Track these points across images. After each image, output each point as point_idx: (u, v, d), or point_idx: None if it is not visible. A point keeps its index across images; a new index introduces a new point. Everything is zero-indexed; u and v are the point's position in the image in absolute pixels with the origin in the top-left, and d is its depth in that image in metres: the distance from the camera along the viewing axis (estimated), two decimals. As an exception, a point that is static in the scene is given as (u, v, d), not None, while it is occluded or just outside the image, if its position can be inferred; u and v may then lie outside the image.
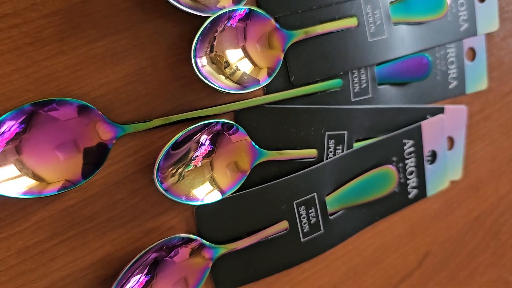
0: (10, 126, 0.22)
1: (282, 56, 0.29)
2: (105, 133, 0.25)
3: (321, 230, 0.32)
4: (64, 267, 0.27)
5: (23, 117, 0.23)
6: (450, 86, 0.38)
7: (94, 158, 0.25)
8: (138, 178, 0.28)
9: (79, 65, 0.25)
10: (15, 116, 0.23)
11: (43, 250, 0.26)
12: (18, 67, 0.24)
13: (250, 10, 0.27)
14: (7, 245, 0.25)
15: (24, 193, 0.23)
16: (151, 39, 0.27)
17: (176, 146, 0.26)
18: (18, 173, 0.23)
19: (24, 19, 0.24)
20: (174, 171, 0.26)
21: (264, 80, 0.28)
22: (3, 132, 0.22)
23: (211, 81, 0.26)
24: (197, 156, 0.27)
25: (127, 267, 0.25)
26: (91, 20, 0.25)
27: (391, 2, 0.34)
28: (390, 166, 0.35)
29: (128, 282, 0.25)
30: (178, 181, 0.26)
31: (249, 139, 0.29)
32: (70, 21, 0.25)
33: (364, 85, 0.33)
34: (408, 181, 0.36)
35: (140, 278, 0.25)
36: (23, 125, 0.23)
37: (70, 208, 0.26)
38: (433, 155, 0.38)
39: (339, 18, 0.31)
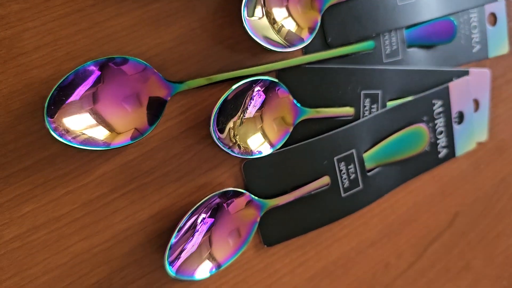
0: (88, 75, 0.24)
1: (319, 18, 0.31)
2: (161, 90, 0.27)
3: (360, 186, 0.34)
4: (125, 219, 0.28)
5: (98, 68, 0.24)
6: (474, 50, 0.40)
7: (155, 110, 0.26)
8: (191, 134, 0.29)
9: (136, 26, 0.27)
10: (91, 66, 0.24)
11: (106, 203, 0.28)
12: (81, 28, 0.26)
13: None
14: (73, 198, 0.27)
15: (102, 145, 0.25)
16: (201, 1, 0.28)
17: (227, 102, 0.28)
18: (93, 122, 0.24)
19: (87, -18, 0.26)
20: (228, 124, 0.28)
21: (307, 37, 0.30)
22: (84, 79, 0.24)
23: (258, 37, 0.28)
24: (249, 109, 0.28)
25: (200, 202, 0.27)
26: (146, -17, 0.27)
27: (418, -33, 0.35)
28: (421, 124, 0.36)
29: (199, 217, 0.27)
30: (235, 129, 0.28)
31: (291, 97, 0.30)
32: (127, -16, 0.26)
33: (395, 47, 0.35)
34: (438, 141, 0.38)
35: (205, 217, 0.27)
36: (98, 75, 0.24)
37: (130, 162, 0.28)
38: (460, 116, 0.39)
39: (371, -17, 0.33)
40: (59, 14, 0.25)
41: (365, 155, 0.34)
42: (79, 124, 0.24)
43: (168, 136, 0.29)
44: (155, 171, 0.29)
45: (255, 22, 0.28)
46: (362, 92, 0.34)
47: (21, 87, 0.25)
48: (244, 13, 0.27)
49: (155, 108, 0.26)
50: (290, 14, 0.30)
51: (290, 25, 0.30)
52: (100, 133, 0.25)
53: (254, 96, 0.28)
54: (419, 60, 0.37)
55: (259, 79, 0.29)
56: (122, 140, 0.26)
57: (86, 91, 0.24)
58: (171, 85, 0.27)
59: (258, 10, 0.28)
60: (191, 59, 0.29)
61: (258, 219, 0.30)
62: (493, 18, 0.41)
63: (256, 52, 0.30)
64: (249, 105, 0.28)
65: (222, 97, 0.27)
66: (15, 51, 0.25)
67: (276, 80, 0.29)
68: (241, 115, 0.28)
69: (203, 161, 0.30)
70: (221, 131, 0.28)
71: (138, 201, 0.28)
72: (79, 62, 0.26)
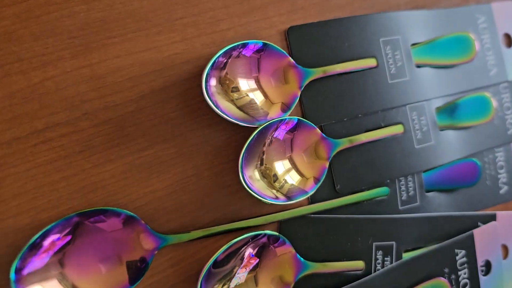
0: (55, 238, 0.22)
1: (327, 165, 0.28)
2: (147, 244, 0.24)
3: None
4: None
5: (69, 229, 0.22)
6: (501, 191, 0.37)
7: (135, 270, 0.24)
8: (179, 290, 0.26)
9: (126, 174, 0.25)
10: (61, 227, 0.22)
11: None
12: (65, 175, 0.24)
13: (297, 120, 0.27)
14: None
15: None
16: (197, 148, 0.26)
17: (220, 259, 0.25)
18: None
19: (76, 128, 0.24)
20: (218, 286, 0.25)
21: (311, 188, 0.27)
22: (48, 245, 0.22)
23: (259, 193, 0.26)
24: (241, 271, 0.26)
25: None
26: (140, 129, 0.25)
27: (437, 108, 0.33)
28: (442, 278, 0.32)
29: None
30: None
31: (293, 250, 0.27)
32: (120, 130, 0.25)
33: (412, 192, 0.32)
34: (461, 295, 0.34)
35: None
36: (68, 237, 0.22)
37: (106, 322, 0.25)
38: (487, 265, 0.35)
39: (385, 126, 0.31)
40: (44, 160, 0.24)
41: (377, 315, 0.30)
42: (47, 290, 0.22)
43: (153, 292, 0.26)
44: (135, 331, 0.25)
45: (256, 182, 0.26)
46: (374, 244, 0.30)
47: (-7, 237, 0.23)
48: (243, 173, 0.25)
49: (137, 266, 0.24)
50: (293, 166, 0.27)
51: (293, 179, 0.27)
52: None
53: (250, 254, 0.26)
54: (440, 205, 0.34)
55: (259, 234, 0.26)
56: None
57: (54, 254, 0.22)
58: (159, 238, 0.25)
59: (255, 172, 0.26)
60: (184, 209, 0.26)
61: None
62: (522, 157, 0.38)
63: (255, 201, 0.28)
64: (243, 264, 0.26)
65: (212, 258, 0.24)
66: (-7, 198, 0.23)
67: (278, 234, 0.27)
68: (234, 276, 0.25)
69: (190, 320, 0.27)
70: (210, 293, 0.25)
71: None
72: (60, 212, 0.24)
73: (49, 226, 0.22)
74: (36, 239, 0.22)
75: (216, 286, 0.25)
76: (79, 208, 0.24)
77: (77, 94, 0.24)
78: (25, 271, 0.21)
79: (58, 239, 0.22)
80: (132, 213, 0.24)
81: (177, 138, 0.26)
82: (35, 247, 0.22)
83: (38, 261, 0.22)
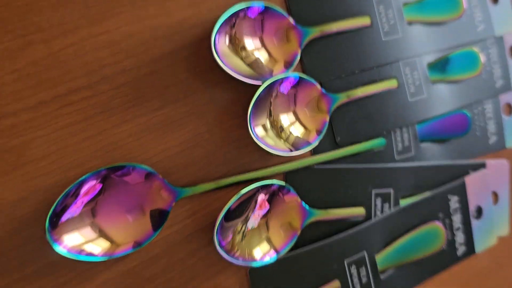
0: (88, 188, 0.24)
1: (328, 119, 0.31)
2: (165, 196, 0.27)
3: (372, 289, 0.32)
4: (126, 328, 0.27)
5: (99, 180, 0.24)
6: (490, 141, 0.39)
7: (157, 219, 0.26)
8: (196, 239, 0.29)
9: (142, 133, 0.27)
10: (92, 178, 0.24)
11: (106, 311, 0.27)
12: (88, 135, 0.26)
13: (298, 76, 0.29)
14: (72, 307, 0.26)
15: (103, 255, 0.24)
16: (208, 106, 0.28)
17: (233, 209, 0.27)
18: (94, 235, 0.24)
19: (95, 92, 0.26)
20: (233, 233, 0.27)
21: (314, 140, 0.30)
22: (82, 194, 0.24)
23: (266, 144, 0.28)
24: (255, 215, 0.28)
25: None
26: (154, 90, 0.27)
27: (429, 63, 0.35)
28: (437, 222, 0.35)
29: None
30: (237, 242, 0.27)
31: (299, 199, 0.30)
32: (135, 92, 0.27)
33: (407, 143, 0.34)
34: (455, 238, 0.36)
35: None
36: (99, 186, 0.24)
37: (132, 269, 0.27)
38: (479, 210, 0.38)
39: (380, 80, 0.33)
40: (68, 122, 0.26)
41: (378, 257, 0.33)
42: (80, 238, 0.24)
43: (172, 241, 0.28)
44: (158, 277, 0.28)
45: (262, 132, 0.28)
46: (373, 191, 0.33)
47: (27, 194, 0.25)
48: (251, 126, 0.27)
49: (158, 216, 0.26)
50: (297, 119, 0.29)
51: (297, 131, 0.29)
52: (101, 246, 0.24)
53: (259, 204, 0.28)
54: (433, 155, 0.36)
55: (267, 184, 0.28)
56: (124, 249, 0.25)
57: (86, 204, 0.24)
58: (176, 191, 0.27)
59: (265, 122, 0.28)
60: (197, 164, 0.28)
61: (265, 326, 0.29)
62: (509, 108, 0.40)
63: (263, 154, 0.30)
64: (254, 214, 0.28)
65: (226, 206, 0.27)
66: (23, 159, 0.25)
67: (283, 184, 0.29)
68: (246, 225, 0.28)
69: (207, 266, 0.29)
70: (226, 238, 0.27)
71: (140, 308, 0.28)
72: (85, 169, 0.26)
73: (82, 178, 0.24)
74: (71, 189, 0.24)
75: (238, 226, 0.27)
76: (101, 165, 0.26)
77: (95, 60, 0.26)
78: (63, 219, 0.23)
79: (91, 189, 0.24)
80: (150, 168, 0.26)
81: (189, 97, 0.28)
82: (70, 196, 0.24)
83: (72, 210, 0.24)
